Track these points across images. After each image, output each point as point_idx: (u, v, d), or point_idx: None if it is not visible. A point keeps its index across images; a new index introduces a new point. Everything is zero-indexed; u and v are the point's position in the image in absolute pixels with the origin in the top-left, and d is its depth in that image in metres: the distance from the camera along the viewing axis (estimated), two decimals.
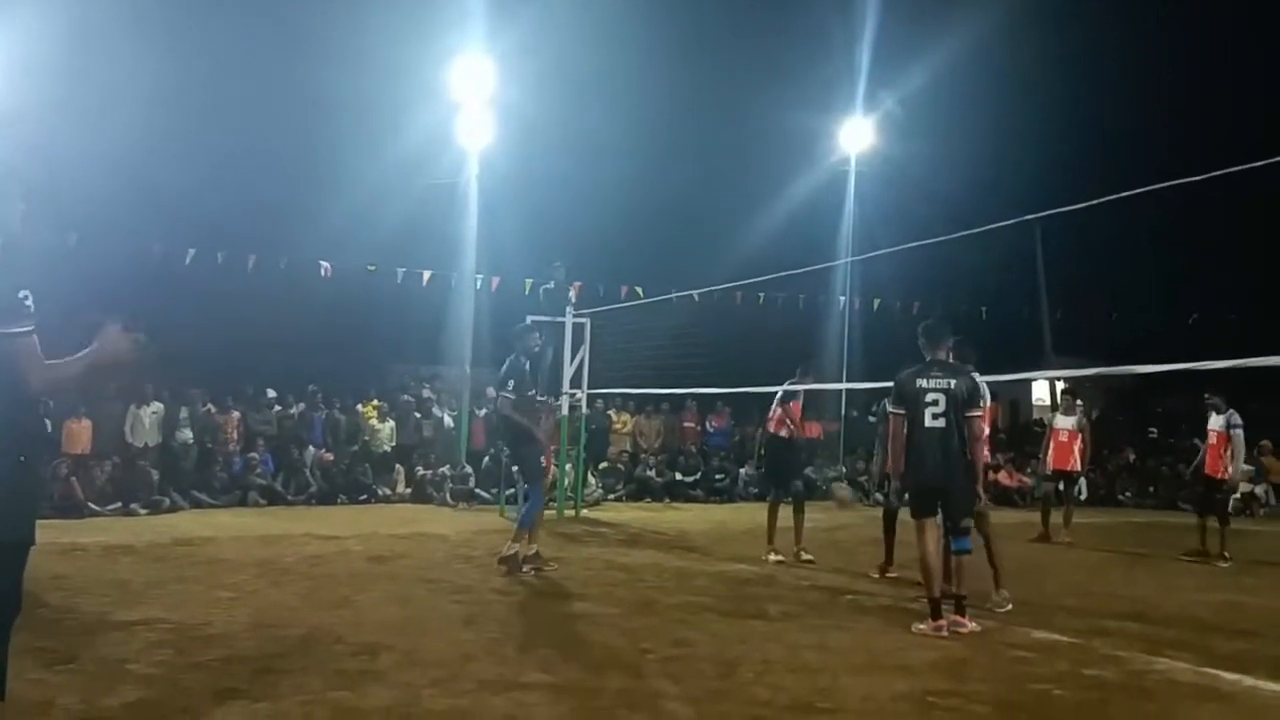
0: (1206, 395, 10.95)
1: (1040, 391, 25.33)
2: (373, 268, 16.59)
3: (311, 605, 6.40)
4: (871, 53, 19.37)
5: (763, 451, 9.78)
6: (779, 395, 9.33)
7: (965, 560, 6.19)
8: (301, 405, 14.79)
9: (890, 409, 6.46)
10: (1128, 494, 18.08)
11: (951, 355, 6.53)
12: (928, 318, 6.83)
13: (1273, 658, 5.52)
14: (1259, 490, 16.42)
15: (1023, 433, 20.78)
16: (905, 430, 6.25)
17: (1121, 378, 19.40)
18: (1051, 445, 11.88)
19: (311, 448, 14.11)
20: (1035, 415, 23.82)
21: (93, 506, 11.37)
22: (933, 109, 20.57)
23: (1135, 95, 22.69)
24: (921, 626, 6.01)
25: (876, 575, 8.25)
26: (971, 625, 6.01)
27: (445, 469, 14.32)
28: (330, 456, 14.11)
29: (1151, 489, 18.19)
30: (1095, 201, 7.23)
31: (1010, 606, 6.71)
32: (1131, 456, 19.32)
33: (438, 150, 16.40)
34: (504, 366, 8.45)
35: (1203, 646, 5.77)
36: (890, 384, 6.55)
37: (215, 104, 15.67)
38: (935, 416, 6.11)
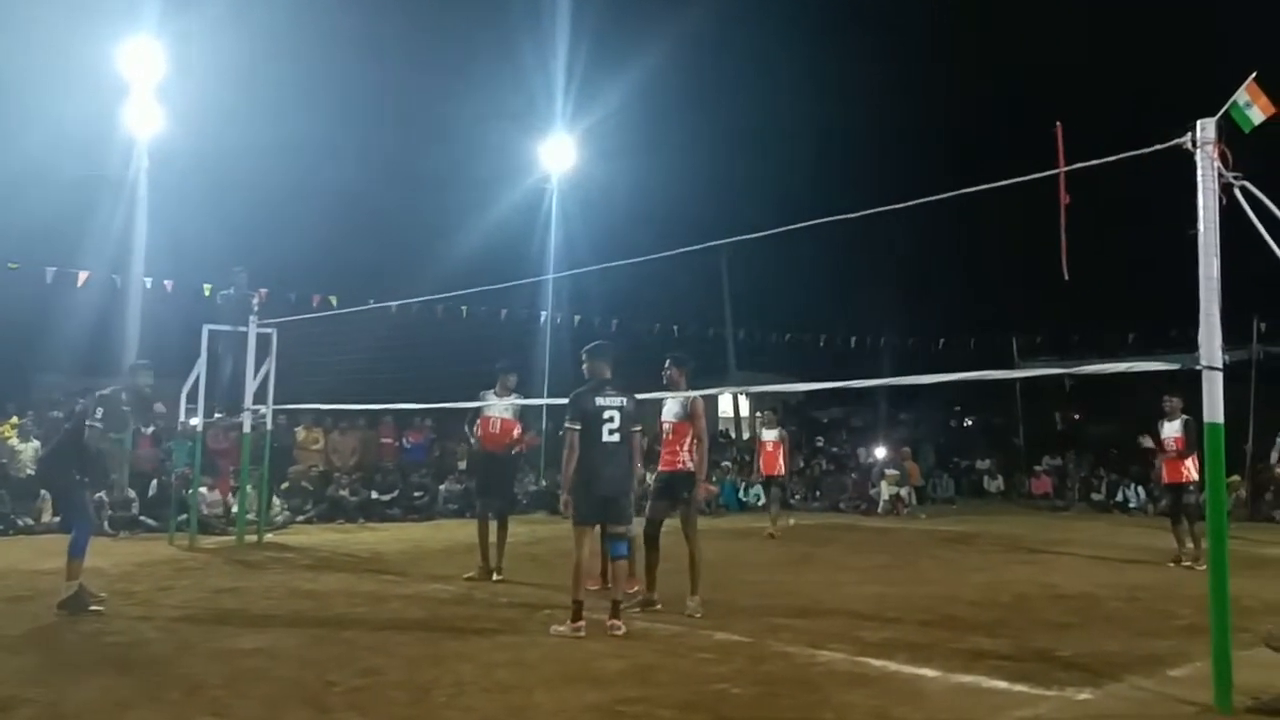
0: (1165, 398, 10.13)
1: (726, 405, 27.19)
2: (14, 265, 14.50)
3: None
4: (568, 73, 20.07)
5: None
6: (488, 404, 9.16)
7: (622, 565, 6.75)
8: None
9: (568, 425, 6.63)
10: (797, 497, 19.82)
11: (671, 367, 7.62)
12: (594, 341, 7.08)
13: (910, 643, 6.24)
14: (903, 492, 18.59)
15: (711, 443, 22.16)
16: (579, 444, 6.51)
17: (793, 391, 21.41)
18: (761, 455, 13.71)
19: None
20: (721, 427, 25.50)
21: None
22: (631, 132, 21.57)
23: (816, 130, 25.16)
24: (560, 629, 6.28)
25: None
26: (622, 628, 6.31)
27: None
28: None
29: (818, 492, 20.11)
30: (771, 231, 7.83)
31: (702, 613, 7.07)
32: (802, 463, 21.22)
33: (99, 137, 14.69)
34: (102, 394, 7.53)
35: (856, 637, 6.37)
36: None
37: None
38: (611, 432, 6.51)
